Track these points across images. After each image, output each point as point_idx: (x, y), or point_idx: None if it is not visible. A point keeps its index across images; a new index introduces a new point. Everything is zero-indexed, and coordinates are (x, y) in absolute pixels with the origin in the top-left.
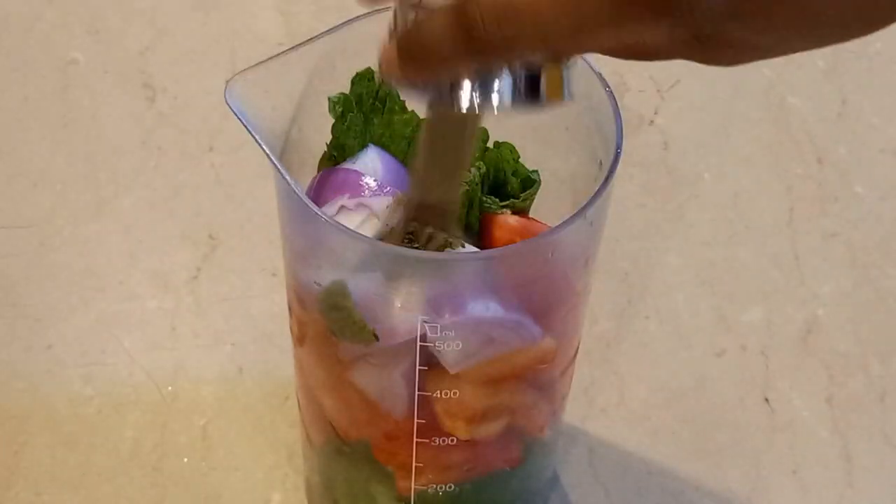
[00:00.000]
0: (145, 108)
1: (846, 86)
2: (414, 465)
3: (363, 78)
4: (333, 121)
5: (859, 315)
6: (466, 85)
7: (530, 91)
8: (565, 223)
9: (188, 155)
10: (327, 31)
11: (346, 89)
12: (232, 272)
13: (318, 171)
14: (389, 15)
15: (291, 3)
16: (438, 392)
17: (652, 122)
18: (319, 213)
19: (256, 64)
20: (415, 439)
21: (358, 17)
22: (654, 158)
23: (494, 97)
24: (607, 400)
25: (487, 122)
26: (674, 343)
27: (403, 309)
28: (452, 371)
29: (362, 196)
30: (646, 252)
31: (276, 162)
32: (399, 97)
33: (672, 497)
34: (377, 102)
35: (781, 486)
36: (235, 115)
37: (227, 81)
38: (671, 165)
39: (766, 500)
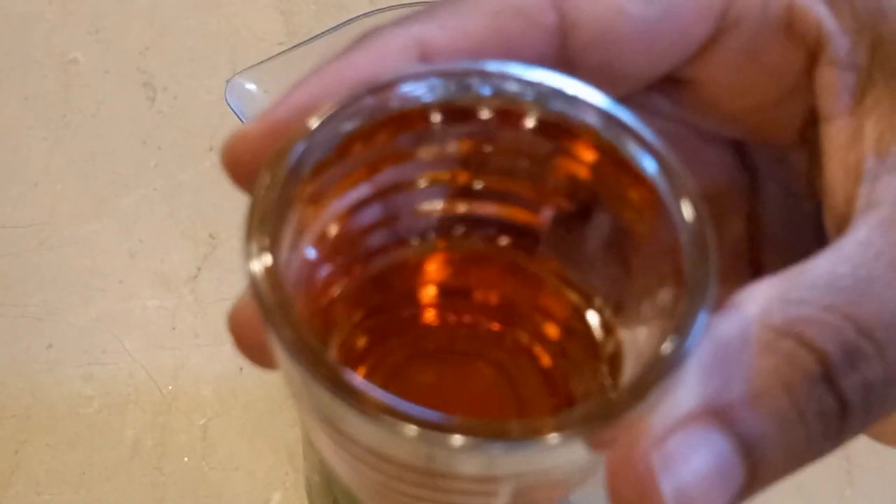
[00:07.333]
0: (145, 108)
1: None
2: None
3: None
4: None
5: None
6: None
7: None
8: None
9: (188, 155)
10: (327, 31)
11: None
12: (232, 272)
13: None
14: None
15: (291, 3)
16: None
17: None
18: None
19: (256, 64)
20: None
21: (358, 16)
22: None
23: None
24: None
25: None
26: None
27: None
28: None
29: None
30: None
31: None
32: None
33: None
34: None
35: (781, 486)
36: (235, 114)
37: (227, 81)
38: None
39: (765, 500)
